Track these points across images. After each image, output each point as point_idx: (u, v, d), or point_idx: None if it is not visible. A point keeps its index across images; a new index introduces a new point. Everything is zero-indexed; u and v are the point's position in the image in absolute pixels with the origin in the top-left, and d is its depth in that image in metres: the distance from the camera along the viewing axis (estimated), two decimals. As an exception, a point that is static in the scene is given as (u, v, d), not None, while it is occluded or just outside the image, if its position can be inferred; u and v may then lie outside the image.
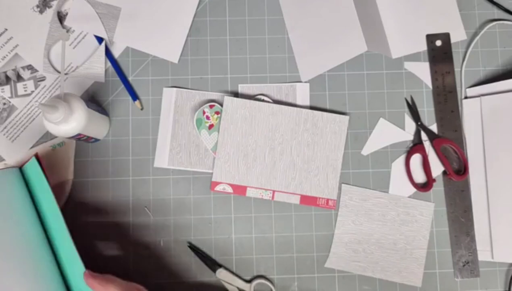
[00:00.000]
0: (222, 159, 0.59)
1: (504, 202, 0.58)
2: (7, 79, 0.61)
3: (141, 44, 0.62)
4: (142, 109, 0.61)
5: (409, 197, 0.61)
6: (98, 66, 0.61)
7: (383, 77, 0.62)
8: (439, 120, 0.61)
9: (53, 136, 0.60)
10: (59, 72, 0.61)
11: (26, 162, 0.53)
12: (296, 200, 0.60)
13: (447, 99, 0.61)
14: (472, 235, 0.60)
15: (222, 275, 0.58)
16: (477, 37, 0.63)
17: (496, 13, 0.64)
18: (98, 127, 0.57)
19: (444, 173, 0.61)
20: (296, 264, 0.59)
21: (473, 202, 0.60)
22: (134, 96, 0.61)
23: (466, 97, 0.62)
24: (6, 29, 0.61)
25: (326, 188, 0.60)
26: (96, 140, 0.60)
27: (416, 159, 0.61)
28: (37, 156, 0.52)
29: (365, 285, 0.59)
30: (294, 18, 0.63)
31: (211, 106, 0.60)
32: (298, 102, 0.62)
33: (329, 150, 0.60)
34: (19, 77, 0.61)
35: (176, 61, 0.62)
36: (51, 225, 0.51)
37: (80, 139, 0.56)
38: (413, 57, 0.62)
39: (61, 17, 0.62)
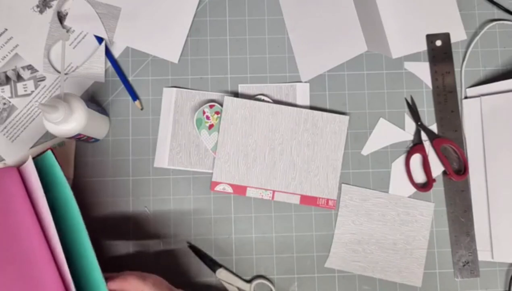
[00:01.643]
0: (222, 159, 0.60)
1: (504, 202, 0.58)
2: (7, 79, 0.61)
3: (141, 44, 0.62)
4: (142, 109, 0.61)
5: (409, 197, 0.61)
6: (98, 66, 0.61)
7: (383, 77, 0.62)
8: (439, 120, 0.61)
9: (53, 136, 0.60)
10: (59, 72, 0.61)
11: (25, 161, 0.53)
12: (296, 200, 0.60)
13: (447, 99, 0.61)
14: (472, 235, 0.60)
15: (222, 275, 0.58)
16: (477, 37, 0.63)
17: (496, 13, 0.64)
18: (98, 127, 0.57)
19: (444, 173, 0.61)
20: (296, 264, 0.59)
21: (473, 202, 0.60)
22: (134, 96, 0.61)
23: (466, 97, 0.62)
24: (6, 29, 0.61)
25: (326, 188, 0.60)
26: (96, 140, 0.60)
27: (416, 159, 0.61)
28: (52, 150, 0.52)
29: (365, 285, 0.59)
30: (294, 18, 0.63)
31: (211, 106, 0.60)
32: (298, 102, 0.62)
33: (329, 150, 0.60)
34: (19, 77, 0.61)
35: (176, 61, 0.62)
36: (66, 220, 0.50)
37: (80, 139, 0.56)
38: (413, 57, 0.62)
39: (61, 17, 0.62)
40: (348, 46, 0.62)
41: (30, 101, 0.61)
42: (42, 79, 0.61)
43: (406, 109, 0.62)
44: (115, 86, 0.61)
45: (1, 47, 0.61)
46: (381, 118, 0.62)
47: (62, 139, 0.60)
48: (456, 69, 0.62)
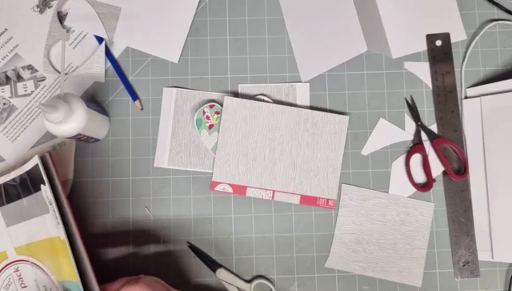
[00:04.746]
0: (222, 159, 0.59)
1: (504, 202, 0.58)
2: (7, 79, 0.61)
3: (141, 44, 0.62)
4: (142, 109, 0.61)
5: (409, 197, 0.61)
6: (98, 66, 0.61)
7: (383, 77, 0.62)
8: (439, 120, 0.61)
9: (53, 136, 0.60)
10: (59, 72, 0.61)
11: (25, 161, 0.53)
12: (296, 200, 0.60)
13: (447, 99, 0.61)
14: (472, 235, 0.60)
15: (222, 275, 0.58)
16: (477, 37, 0.63)
17: (496, 13, 0.64)
18: (98, 127, 0.57)
19: (444, 173, 0.61)
20: (296, 264, 0.59)
21: (473, 202, 0.60)
22: (134, 96, 0.61)
23: (466, 97, 0.62)
24: (6, 29, 0.61)
25: (326, 188, 0.60)
26: (96, 140, 0.60)
27: (416, 159, 0.61)
28: (50, 154, 0.52)
29: (365, 285, 0.59)
30: (294, 18, 0.63)
31: (211, 106, 0.60)
32: (298, 102, 0.62)
33: (329, 149, 0.60)
34: (19, 77, 0.61)
35: (176, 61, 0.62)
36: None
37: (80, 139, 0.56)
38: (413, 57, 0.62)
39: (61, 17, 0.62)
40: (348, 46, 0.62)
41: (30, 101, 0.61)
42: (42, 79, 0.61)
43: (406, 109, 0.62)
44: (115, 86, 0.61)
45: (1, 47, 0.61)
46: (381, 118, 0.62)
47: (62, 140, 0.60)
48: (456, 69, 0.62)
